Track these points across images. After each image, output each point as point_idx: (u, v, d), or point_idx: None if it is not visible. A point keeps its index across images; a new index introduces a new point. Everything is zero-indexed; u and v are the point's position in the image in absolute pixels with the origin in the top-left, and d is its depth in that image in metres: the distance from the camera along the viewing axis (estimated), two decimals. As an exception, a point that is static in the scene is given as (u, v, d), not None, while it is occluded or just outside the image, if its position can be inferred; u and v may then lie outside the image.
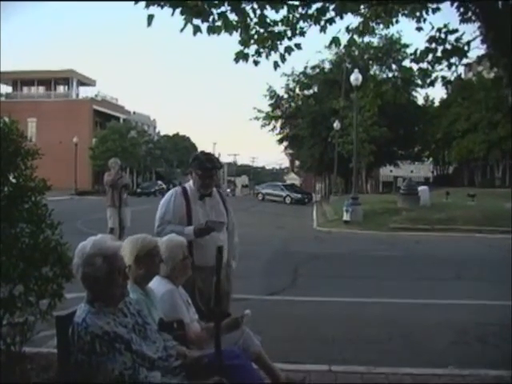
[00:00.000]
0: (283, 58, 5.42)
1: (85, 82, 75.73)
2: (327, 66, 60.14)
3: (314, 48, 54.01)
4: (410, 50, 52.31)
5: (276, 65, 5.49)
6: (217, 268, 3.45)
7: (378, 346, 6.76)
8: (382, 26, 6.74)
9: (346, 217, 25.33)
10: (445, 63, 5.96)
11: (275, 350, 4.12)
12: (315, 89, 61.04)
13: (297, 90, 61.41)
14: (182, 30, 4.60)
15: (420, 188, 30.74)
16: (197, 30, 4.62)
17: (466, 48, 5.79)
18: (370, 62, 59.30)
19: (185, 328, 3.95)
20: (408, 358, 6.29)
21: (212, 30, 4.79)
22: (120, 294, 3.23)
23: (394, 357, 6.30)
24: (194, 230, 4.92)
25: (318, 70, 60.16)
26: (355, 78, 26.89)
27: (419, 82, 6.21)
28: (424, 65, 6.07)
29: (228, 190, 72.98)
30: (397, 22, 6.71)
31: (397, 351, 6.58)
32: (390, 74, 56.03)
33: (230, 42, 5.82)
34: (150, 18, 4.49)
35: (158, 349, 3.35)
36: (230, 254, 5.24)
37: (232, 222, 5.39)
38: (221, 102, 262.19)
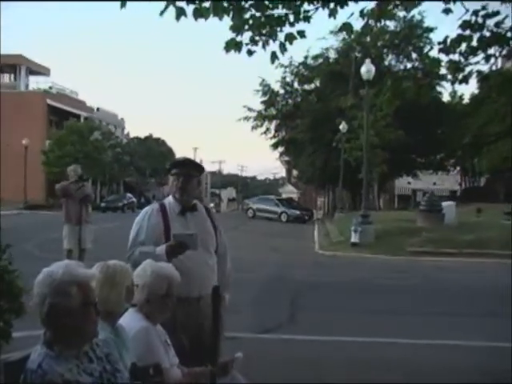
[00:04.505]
0: (283, 48, 5.36)
1: (36, 70, 75.41)
2: (332, 55, 60.26)
3: (316, 34, 54.27)
4: (434, 36, 52.19)
5: (274, 56, 5.45)
6: (213, 311, 3.47)
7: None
8: (401, 7, 6.70)
9: (353, 238, 25.42)
10: (481, 54, 5.88)
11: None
12: (317, 83, 61.09)
13: (295, 85, 61.40)
14: (162, 13, 4.56)
15: (444, 204, 30.80)
16: (180, 13, 4.57)
17: (509, 35, 5.67)
18: (385, 51, 59.26)
19: (163, 374, 3.93)
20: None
21: (199, 13, 4.74)
22: (93, 332, 3.17)
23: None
24: (166, 248, 4.81)
25: (321, 61, 60.15)
26: (367, 69, 26.88)
27: (449, 76, 6.12)
28: (455, 56, 6.00)
29: (212, 205, 72.73)
30: (419, 3, 6.68)
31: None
32: (409, 65, 56.38)
33: (218, 27, 5.83)
34: (124, -1, 4.49)
35: (130, 402, 3.33)
36: (221, 283, 5.05)
37: (223, 243, 5.33)
38: (204, 100, 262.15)
